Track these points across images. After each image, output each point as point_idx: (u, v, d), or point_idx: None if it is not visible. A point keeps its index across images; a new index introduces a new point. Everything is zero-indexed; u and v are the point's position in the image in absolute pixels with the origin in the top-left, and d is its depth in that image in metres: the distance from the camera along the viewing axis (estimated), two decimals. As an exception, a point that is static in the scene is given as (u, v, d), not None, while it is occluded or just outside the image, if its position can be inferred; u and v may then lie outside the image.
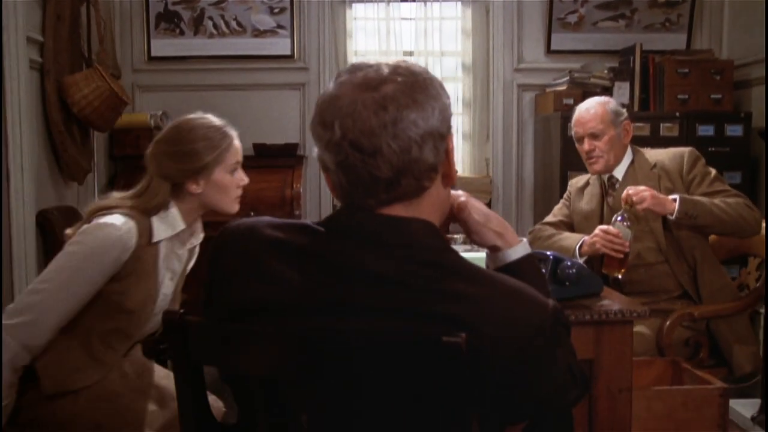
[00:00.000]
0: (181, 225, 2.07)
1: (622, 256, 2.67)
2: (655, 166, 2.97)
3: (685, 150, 3.01)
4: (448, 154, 1.24)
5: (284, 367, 1.15)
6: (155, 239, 2.02)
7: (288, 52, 4.77)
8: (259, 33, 4.74)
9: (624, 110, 3.05)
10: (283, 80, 4.77)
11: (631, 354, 2.11)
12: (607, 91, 4.34)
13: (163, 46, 4.73)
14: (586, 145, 2.98)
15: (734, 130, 4.20)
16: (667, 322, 2.77)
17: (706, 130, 4.20)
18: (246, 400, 1.25)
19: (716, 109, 4.30)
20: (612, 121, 2.97)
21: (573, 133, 3.05)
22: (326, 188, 4.82)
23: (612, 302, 2.16)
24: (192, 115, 2.08)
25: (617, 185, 3.01)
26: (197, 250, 2.25)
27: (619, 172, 3.02)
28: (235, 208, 2.12)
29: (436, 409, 1.10)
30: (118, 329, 2.03)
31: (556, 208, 3.27)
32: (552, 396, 1.22)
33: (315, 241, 1.20)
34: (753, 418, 3.51)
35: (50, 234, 3.44)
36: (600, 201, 3.09)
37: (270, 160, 4.43)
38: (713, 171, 2.96)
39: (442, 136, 1.21)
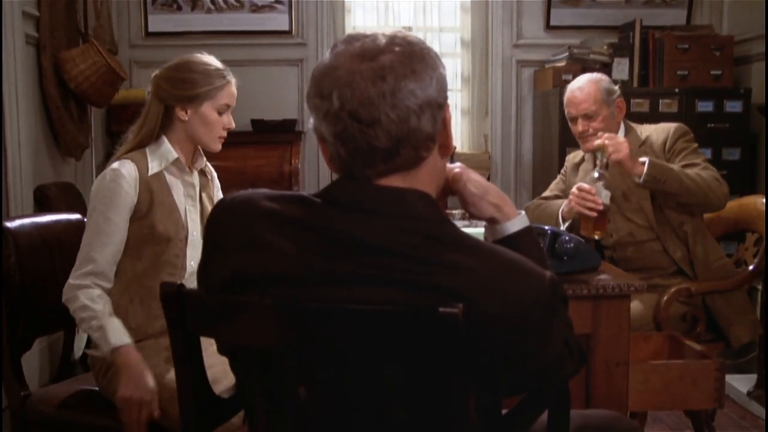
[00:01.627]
0: (173, 154, 2.19)
1: (596, 214, 2.64)
2: (644, 143, 2.95)
3: (673, 125, 2.98)
4: (445, 124, 1.24)
5: (280, 339, 1.16)
6: (150, 172, 2.15)
7: (286, 28, 4.74)
8: (256, 8, 4.72)
9: (616, 87, 2.99)
10: (281, 56, 4.75)
11: (628, 328, 2.12)
12: (606, 67, 4.33)
13: (161, 21, 4.71)
14: (580, 126, 2.93)
15: (733, 106, 4.19)
16: (664, 298, 2.78)
17: (705, 106, 4.19)
18: (243, 371, 1.26)
19: (716, 85, 4.29)
20: (605, 100, 2.91)
21: (566, 113, 3.01)
22: (324, 163, 4.79)
23: (609, 277, 2.16)
24: (198, 53, 2.24)
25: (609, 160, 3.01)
26: (214, 175, 2.38)
27: None
28: (216, 146, 2.24)
29: (433, 381, 1.11)
30: (166, 261, 2.15)
31: (553, 183, 3.27)
32: (548, 369, 1.22)
33: (311, 213, 1.19)
34: (749, 393, 3.54)
35: (48, 210, 3.44)
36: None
37: (268, 135, 4.41)
38: (693, 146, 2.92)
39: (440, 105, 1.20)
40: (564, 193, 3.19)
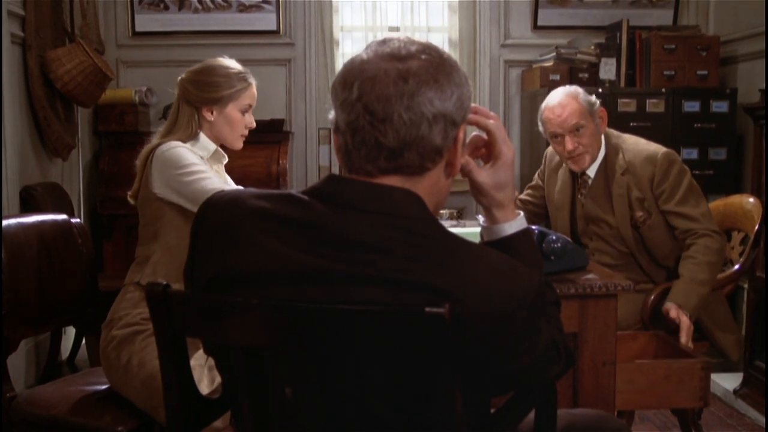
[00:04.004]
0: (213, 146, 2.36)
1: None
2: (626, 170, 2.81)
3: (659, 153, 2.79)
4: (456, 143, 1.23)
5: (267, 338, 1.15)
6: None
7: (273, 28, 4.73)
8: (244, 8, 4.71)
9: (593, 97, 2.84)
10: (268, 56, 4.74)
11: (615, 327, 2.13)
12: (593, 67, 4.34)
13: (148, 21, 4.69)
14: (569, 144, 2.77)
15: (720, 107, 4.20)
16: (651, 297, 2.79)
17: (691, 107, 4.20)
18: (230, 371, 1.25)
19: (702, 85, 4.31)
20: (590, 112, 2.77)
21: (546, 132, 2.84)
22: (312, 164, 4.81)
23: (596, 276, 2.17)
24: (221, 57, 2.40)
25: (589, 182, 2.89)
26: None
27: (591, 170, 2.87)
28: (239, 144, 2.40)
29: (419, 380, 1.11)
30: None
31: (529, 185, 3.21)
32: (534, 370, 1.23)
33: (299, 210, 1.19)
34: (736, 392, 3.56)
35: (34, 210, 3.42)
36: (570, 193, 2.97)
37: (256, 135, 4.33)
38: (685, 181, 2.78)
39: (455, 122, 1.21)
40: (536, 199, 3.13)
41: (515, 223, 1.37)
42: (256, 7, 4.71)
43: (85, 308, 2.45)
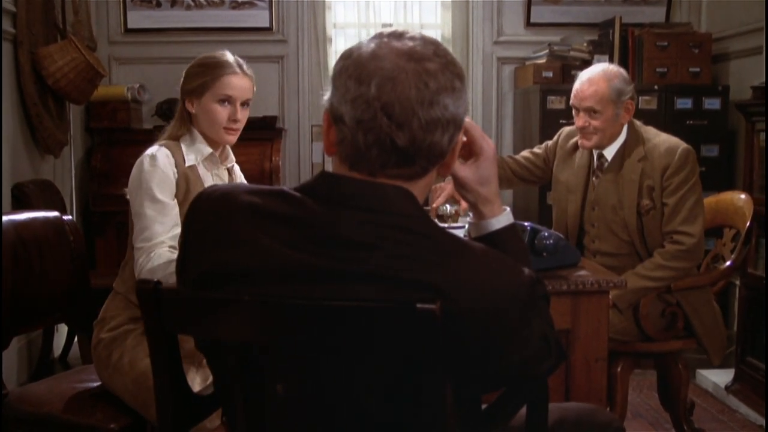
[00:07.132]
0: (208, 149, 2.25)
1: None
2: (644, 158, 2.82)
3: (680, 147, 2.79)
4: (456, 144, 1.24)
5: (258, 335, 1.15)
6: (187, 163, 2.20)
7: (266, 25, 4.73)
8: (237, 5, 4.70)
9: (630, 87, 2.82)
10: (261, 53, 4.73)
11: (607, 323, 2.14)
12: (586, 64, 4.34)
13: (140, 17, 4.68)
14: (580, 121, 2.81)
15: (712, 104, 4.22)
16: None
17: (684, 104, 4.22)
18: (221, 368, 1.25)
19: (694, 82, 4.32)
20: (612, 100, 2.77)
21: (571, 100, 2.87)
22: (305, 161, 4.81)
23: (588, 273, 2.18)
24: (220, 50, 2.31)
25: (606, 165, 2.89)
26: (240, 173, 2.46)
27: (609, 152, 2.88)
28: (224, 138, 2.25)
29: (411, 376, 1.11)
30: None
31: (529, 152, 3.15)
32: (526, 365, 1.23)
33: (292, 207, 1.19)
34: (727, 388, 3.58)
35: (26, 207, 3.41)
36: (586, 176, 2.95)
37: (249, 132, 4.32)
38: (691, 182, 2.78)
39: (460, 126, 1.22)
40: (535, 168, 3.08)
41: (502, 218, 1.38)
42: (249, 4, 4.70)
43: (77, 305, 2.44)
